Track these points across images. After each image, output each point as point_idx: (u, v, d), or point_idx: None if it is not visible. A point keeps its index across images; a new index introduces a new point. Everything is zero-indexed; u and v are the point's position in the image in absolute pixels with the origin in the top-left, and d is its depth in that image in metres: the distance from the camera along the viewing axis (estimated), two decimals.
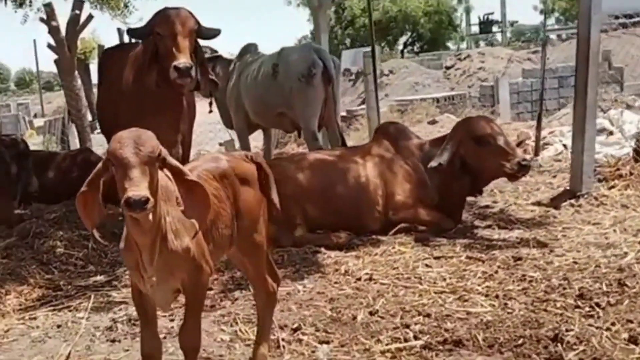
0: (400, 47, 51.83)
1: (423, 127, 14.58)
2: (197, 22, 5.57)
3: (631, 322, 3.88)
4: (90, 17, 14.95)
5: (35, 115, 28.67)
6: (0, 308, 4.62)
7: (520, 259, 5.00)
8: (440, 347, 3.75)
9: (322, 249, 5.50)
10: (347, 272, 4.93)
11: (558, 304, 4.17)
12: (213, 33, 5.83)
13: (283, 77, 7.63)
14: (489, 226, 6.08)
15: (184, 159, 6.21)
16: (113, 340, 3.93)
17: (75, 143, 14.40)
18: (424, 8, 47.51)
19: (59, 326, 4.25)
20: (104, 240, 2.91)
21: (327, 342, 3.93)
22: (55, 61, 14.27)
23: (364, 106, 20.82)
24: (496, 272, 4.77)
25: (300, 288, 4.69)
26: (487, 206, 6.81)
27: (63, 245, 5.58)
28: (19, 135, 21.16)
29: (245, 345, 3.91)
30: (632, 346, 3.64)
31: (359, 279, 4.79)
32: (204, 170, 3.01)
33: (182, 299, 3.06)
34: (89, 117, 16.01)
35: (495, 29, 46.99)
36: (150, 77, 5.61)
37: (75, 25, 11.90)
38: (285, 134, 12.60)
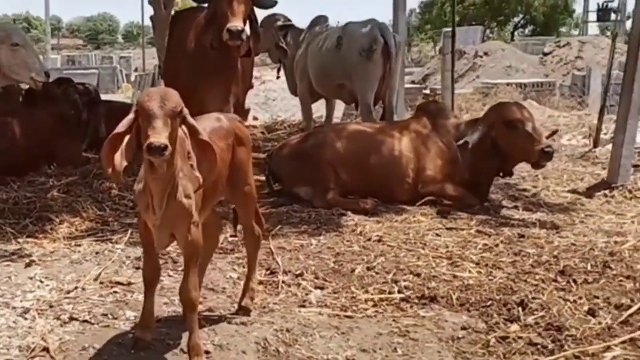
0: (511, 28, 51.22)
1: None
2: None
3: (597, 298, 4.34)
4: None
5: (136, 69, 30.02)
6: (52, 234, 5.40)
7: (523, 236, 5.47)
8: (416, 301, 4.30)
9: (349, 213, 6.05)
10: (361, 232, 5.50)
11: (537, 277, 4.63)
12: (270, 3, 6.46)
13: (346, 50, 8.19)
14: (515, 207, 6.50)
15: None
16: (137, 268, 4.64)
17: None
18: None
19: (97, 253, 5.00)
20: (119, 182, 3.53)
21: (322, 288, 4.53)
22: (151, 17, 15.25)
23: (456, 85, 21.15)
24: (496, 245, 5.26)
25: (314, 242, 5.30)
26: (524, 189, 7.22)
27: (118, 188, 6.32)
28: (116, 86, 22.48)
29: None
30: (589, 317, 4.10)
31: (369, 239, 5.36)
32: (211, 130, 3.55)
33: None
34: None
35: (613, 17, 45.76)
36: (206, 38, 6.27)
37: None
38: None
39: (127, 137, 3.12)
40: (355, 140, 6.50)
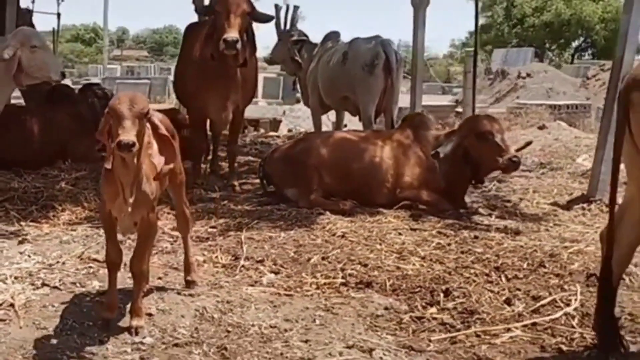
0: (572, 51, 51.08)
1: (531, 131, 15.18)
2: (251, 6, 6.88)
3: (519, 290, 4.83)
4: None
5: None
6: (53, 220, 6.12)
7: (477, 237, 5.97)
8: (353, 286, 4.87)
9: (328, 213, 6.64)
10: (329, 229, 6.08)
11: (472, 271, 5.14)
12: (266, 18, 7.17)
13: (350, 64, 8.83)
14: (490, 215, 6.98)
15: (236, 124, 7.60)
16: None
17: None
18: (600, 14, 46.45)
19: (87, 236, 5.69)
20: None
21: (277, 273, 5.13)
22: None
23: (495, 104, 21.54)
24: (449, 244, 5.77)
25: (283, 235, 5.89)
26: (508, 200, 7.69)
27: None
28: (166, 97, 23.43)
29: (213, 267, 5.20)
30: (504, 305, 4.62)
31: (334, 235, 5.93)
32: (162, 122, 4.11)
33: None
34: None
35: None
36: (208, 49, 6.99)
37: None
38: None
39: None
40: (339, 146, 7.09)
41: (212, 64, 7.03)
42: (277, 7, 10.16)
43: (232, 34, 6.59)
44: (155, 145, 3.81)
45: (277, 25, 10.13)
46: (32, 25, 10.08)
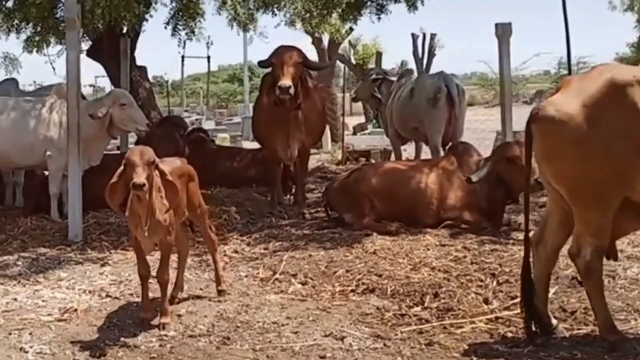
0: None
1: None
2: (303, 57, 8.16)
3: (502, 292, 5.74)
4: (350, 29, 18.20)
5: None
6: None
7: (494, 250, 6.87)
8: (359, 292, 5.93)
9: (375, 233, 7.71)
10: (363, 247, 7.15)
11: (469, 278, 6.08)
12: (319, 66, 8.45)
13: (416, 98, 9.94)
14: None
15: (304, 159, 8.87)
16: (175, 268, 6.63)
17: (327, 143, 17.37)
18: None
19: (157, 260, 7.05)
20: (123, 214, 5.40)
21: (304, 284, 6.25)
22: None
23: None
24: (465, 257, 6.71)
25: (322, 253, 7.02)
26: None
27: None
28: None
29: (252, 280, 6.40)
30: (482, 305, 5.55)
31: (367, 252, 6.99)
32: (174, 169, 5.35)
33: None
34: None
35: None
36: (270, 97, 8.33)
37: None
38: None
39: (118, 184, 5.01)
40: (387, 175, 8.19)
41: (275, 108, 8.33)
42: (414, 36, 11.33)
43: (285, 81, 7.86)
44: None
45: (415, 53, 11.32)
46: (147, 79, 11.84)
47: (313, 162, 14.79)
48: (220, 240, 7.46)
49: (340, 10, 12.23)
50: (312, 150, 20.13)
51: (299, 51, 8.25)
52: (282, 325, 5.22)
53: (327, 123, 17.25)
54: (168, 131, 9.33)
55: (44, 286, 6.22)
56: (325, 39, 18.33)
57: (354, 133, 21.38)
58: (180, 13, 11.43)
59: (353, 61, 25.69)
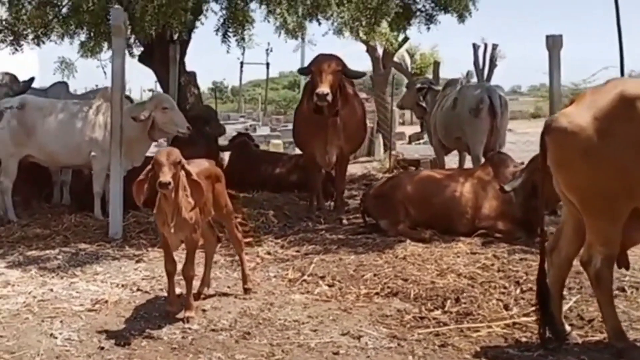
0: None
1: None
2: (342, 65, 8.37)
3: (523, 298, 5.84)
4: (405, 39, 18.37)
5: None
6: None
7: (523, 259, 6.95)
8: (383, 295, 6.09)
9: (408, 240, 7.86)
10: (394, 253, 7.30)
11: (493, 284, 6.19)
12: (357, 74, 8.63)
13: (459, 109, 10.06)
14: None
15: (342, 165, 9.07)
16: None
17: (380, 150, 17.56)
18: None
19: None
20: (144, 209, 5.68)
21: (331, 286, 6.43)
22: (370, 76, 17.84)
23: None
24: (492, 264, 6.82)
25: (353, 257, 7.20)
26: None
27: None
28: None
29: (280, 281, 6.60)
30: (502, 310, 5.66)
31: (397, 257, 7.14)
32: (201, 170, 5.60)
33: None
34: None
35: None
36: (310, 104, 8.56)
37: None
38: None
39: (145, 183, 5.28)
40: (422, 183, 8.33)
41: (314, 115, 8.55)
42: (475, 46, 11.50)
43: (323, 88, 8.08)
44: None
45: (475, 64, 11.50)
46: (196, 85, 12.16)
47: (360, 169, 15.02)
48: (256, 242, 7.72)
49: (389, 20, 12.38)
50: (364, 158, 20.42)
51: (338, 59, 8.46)
52: (303, 323, 5.40)
53: (380, 131, 17.50)
54: (197, 125, 9.61)
55: (80, 279, 6.51)
56: (380, 48, 18.54)
57: (410, 142, 21.50)
58: (230, 20, 11.68)
59: (410, 70, 25.82)
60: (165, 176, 5.01)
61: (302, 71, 8.71)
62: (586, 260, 4.69)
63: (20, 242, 7.83)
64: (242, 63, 46.33)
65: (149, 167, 5.24)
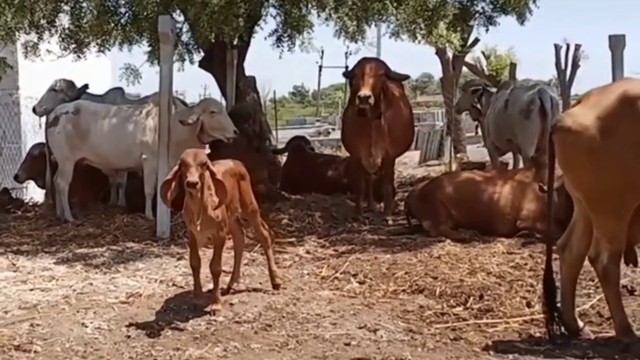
0: None
1: None
2: (384, 68, 8.61)
3: None
4: (476, 40, 18.53)
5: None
6: None
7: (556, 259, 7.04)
8: (409, 292, 6.28)
9: (448, 240, 8.03)
10: (430, 253, 7.47)
11: (521, 283, 6.32)
12: (401, 76, 8.85)
13: (510, 110, 10.17)
14: None
15: (388, 167, 9.29)
16: (246, 264, 7.19)
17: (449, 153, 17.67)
18: None
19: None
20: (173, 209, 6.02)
21: (362, 283, 6.67)
22: (440, 79, 18.03)
23: None
24: (526, 264, 6.92)
25: (388, 257, 7.40)
26: None
27: (287, 218, 8.99)
28: None
29: (313, 278, 6.86)
30: (524, 307, 5.81)
31: (431, 257, 7.31)
32: (226, 170, 5.93)
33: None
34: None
35: None
36: (353, 107, 8.82)
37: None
38: None
39: (173, 182, 5.63)
40: (463, 185, 8.49)
41: (359, 118, 8.81)
42: (557, 47, 11.59)
43: (364, 91, 8.33)
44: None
45: (557, 65, 11.59)
46: (256, 90, 12.54)
47: (422, 172, 15.17)
48: (298, 243, 8.00)
49: (447, 22, 12.50)
50: (433, 162, 20.50)
51: (380, 62, 8.69)
52: (324, 317, 5.65)
53: (450, 134, 17.60)
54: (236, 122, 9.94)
55: (122, 275, 6.91)
56: (450, 50, 18.66)
57: (485, 145, 21.50)
58: (286, 25, 11.97)
59: (486, 72, 25.73)
60: (193, 176, 5.32)
61: (347, 75, 8.97)
62: (594, 257, 4.83)
63: (72, 240, 8.30)
64: (320, 67, 46.83)
65: (176, 167, 5.56)
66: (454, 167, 15.37)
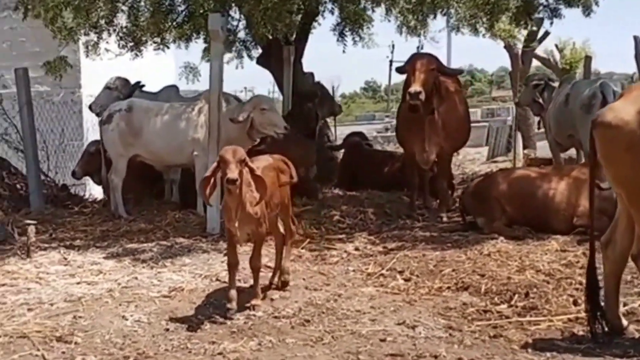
0: None
1: None
2: (437, 63, 8.56)
3: None
4: (546, 33, 18.25)
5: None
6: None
7: None
8: (454, 289, 6.24)
9: (501, 237, 7.94)
10: (480, 250, 7.40)
11: (569, 281, 6.20)
12: (454, 71, 8.80)
13: (571, 105, 9.98)
14: None
15: (443, 163, 9.24)
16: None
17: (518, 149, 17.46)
18: None
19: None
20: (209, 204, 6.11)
21: (407, 280, 6.65)
22: (509, 72, 17.91)
23: None
24: (577, 262, 6.79)
25: (437, 254, 7.35)
26: None
27: (339, 214, 9.02)
28: None
29: (359, 275, 6.86)
30: (570, 306, 5.71)
31: (481, 254, 7.23)
32: (265, 166, 5.96)
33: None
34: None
35: None
36: (405, 103, 8.80)
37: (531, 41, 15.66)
38: None
39: (212, 179, 5.67)
40: (518, 181, 8.38)
41: (411, 114, 8.78)
42: (637, 39, 11.39)
43: (415, 87, 8.30)
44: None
45: (637, 57, 11.39)
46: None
47: (486, 168, 15.01)
48: (348, 240, 8.02)
49: (510, 15, 12.33)
50: (501, 158, 20.22)
51: (432, 58, 8.63)
52: (364, 313, 5.65)
53: (520, 129, 17.35)
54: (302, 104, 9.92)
55: (167, 269, 7.01)
56: (520, 44, 18.43)
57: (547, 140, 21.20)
58: (347, 20, 11.97)
59: (559, 65, 25.26)
60: (233, 173, 5.37)
61: (400, 70, 8.94)
62: (636, 254, 4.74)
63: (124, 235, 8.45)
64: (391, 62, 46.61)
65: (215, 164, 5.62)
66: (518, 163, 15.11)
